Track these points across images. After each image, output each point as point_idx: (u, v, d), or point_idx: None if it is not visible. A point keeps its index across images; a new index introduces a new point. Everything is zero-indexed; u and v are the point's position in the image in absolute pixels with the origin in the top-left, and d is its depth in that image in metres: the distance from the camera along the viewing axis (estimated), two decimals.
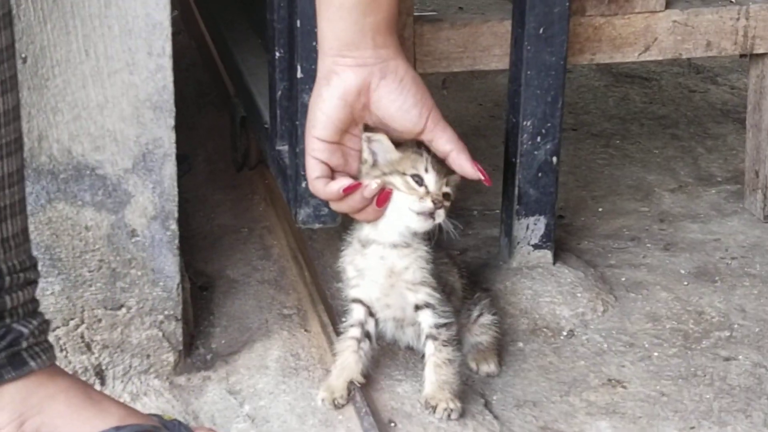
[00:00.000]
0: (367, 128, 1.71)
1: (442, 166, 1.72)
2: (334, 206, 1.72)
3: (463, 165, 1.70)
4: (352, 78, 1.64)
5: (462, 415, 1.72)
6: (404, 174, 1.70)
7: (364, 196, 1.68)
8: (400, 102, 1.67)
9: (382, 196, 1.70)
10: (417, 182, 1.70)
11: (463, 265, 1.96)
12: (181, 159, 2.40)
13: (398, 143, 1.72)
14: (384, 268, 1.76)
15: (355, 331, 1.78)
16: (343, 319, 1.81)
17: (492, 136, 2.76)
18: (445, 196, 1.71)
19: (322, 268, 2.12)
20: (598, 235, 2.33)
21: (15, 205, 1.51)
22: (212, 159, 2.60)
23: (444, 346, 1.75)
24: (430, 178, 1.70)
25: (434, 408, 1.72)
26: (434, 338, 1.76)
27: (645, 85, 3.11)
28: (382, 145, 1.71)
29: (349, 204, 1.69)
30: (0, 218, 1.48)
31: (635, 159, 2.67)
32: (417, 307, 1.77)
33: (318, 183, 1.69)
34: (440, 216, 1.70)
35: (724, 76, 3.15)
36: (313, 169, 1.68)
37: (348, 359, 1.77)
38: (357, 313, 1.79)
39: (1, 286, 1.50)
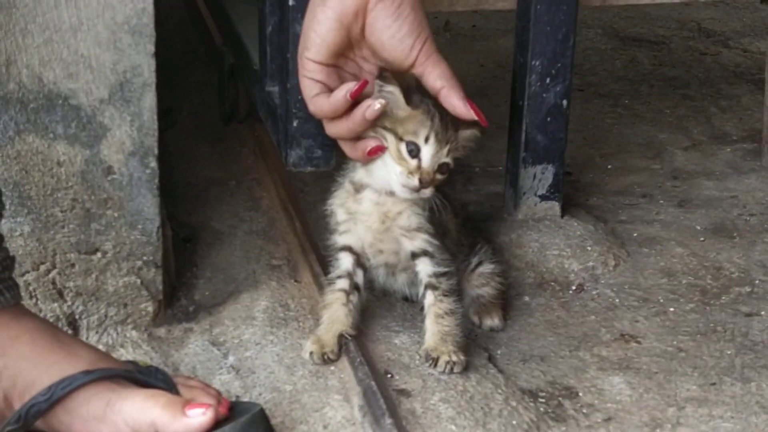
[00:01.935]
0: (382, 75, 1.57)
1: (450, 129, 1.58)
2: (332, 129, 1.58)
3: (455, 104, 1.56)
4: None
5: (465, 368, 1.58)
6: (401, 139, 1.56)
7: (365, 117, 1.54)
8: (395, 29, 1.54)
9: (374, 149, 1.57)
10: (411, 152, 1.56)
11: (458, 203, 1.81)
12: (165, 112, 2.27)
13: (410, 100, 1.58)
14: (378, 212, 1.63)
15: (344, 283, 1.65)
16: (329, 270, 1.67)
17: (494, 96, 2.62)
18: (442, 168, 1.57)
19: (314, 219, 1.99)
20: (607, 191, 2.19)
21: None
22: (199, 113, 2.46)
23: (445, 296, 1.62)
24: (427, 152, 1.56)
25: (435, 361, 1.58)
26: (434, 288, 1.62)
27: (654, 48, 2.97)
28: (393, 96, 1.56)
29: (349, 126, 1.55)
30: None
31: (645, 118, 2.54)
32: (414, 255, 1.63)
33: (319, 99, 1.55)
34: (426, 193, 1.57)
35: (735, 39, 3.02)
36: (310, 88, 1.55)
37: (337, 312, 1.64)
38: (345, 262, 1.66)
39: None
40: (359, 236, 1.65)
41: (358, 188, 1.64)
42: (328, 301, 1.65)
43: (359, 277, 1.66)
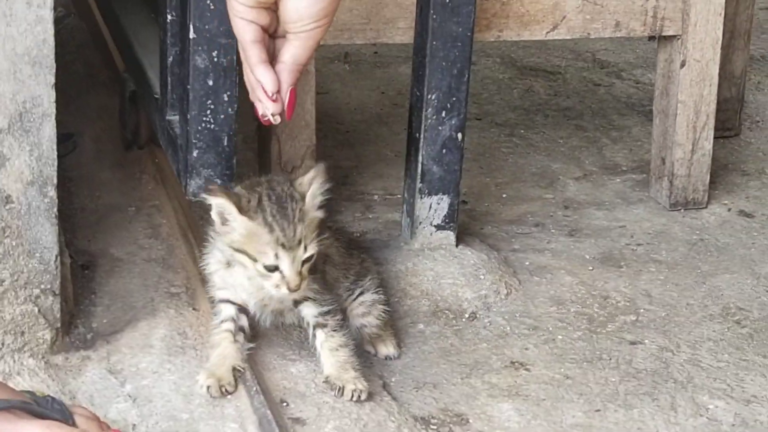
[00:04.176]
0: (208, 189, 1.57)
1: (294, 221, 1.55)
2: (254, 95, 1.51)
3: (281, 80, 1.42)
4: None
5: (370, 396, 1.62)
6: (256, 260, 1.57)
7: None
8: None
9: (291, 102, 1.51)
10: (269, 269, 1.56)
11: (337, 226, 1.85)
12: (65, 137, 2.27)
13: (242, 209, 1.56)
14: (254, 285, 1.64)
15: (229, 325, 1.68)
16: (213, 314, 1.69)
17: (394, 124, 2.68)
18: (306, 262, 1.57)
19: None
20: (501, 220, 2.26)
21: None
22: (100, 139, 2.46)
23: (334, 330, 1.66)
24: (284, 263, 1.56)
25: (341, 389, 1.62)
26: (322, 326, 1.66)
27: (549, 78, 3.06)
28: (224, 209, 1.56)
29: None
30: None
31: (540, 148, 2.61)
32: (296, 303, 1.66)
33: (260, 68, 1.42)
34: (302, 289, 1.58)
35: (628, 71, 3.12)
36: (245, 31, 1.41)
37: (227, 349, 1.66)
38: (227, 311, 1.68)
39: None
40: (239, 296, 1.67)
41: (229, 263, 1.65)
42: (216, 341, 1.68)
43: (243, 321, 1.68)
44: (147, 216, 2.14)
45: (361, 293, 1.77)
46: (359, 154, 2.52)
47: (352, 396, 1.61)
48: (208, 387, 1.62)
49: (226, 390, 1.62)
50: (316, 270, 1.64)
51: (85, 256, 2.00)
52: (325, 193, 1.61)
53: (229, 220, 1.57)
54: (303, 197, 1.58)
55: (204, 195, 1.57)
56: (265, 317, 1.70)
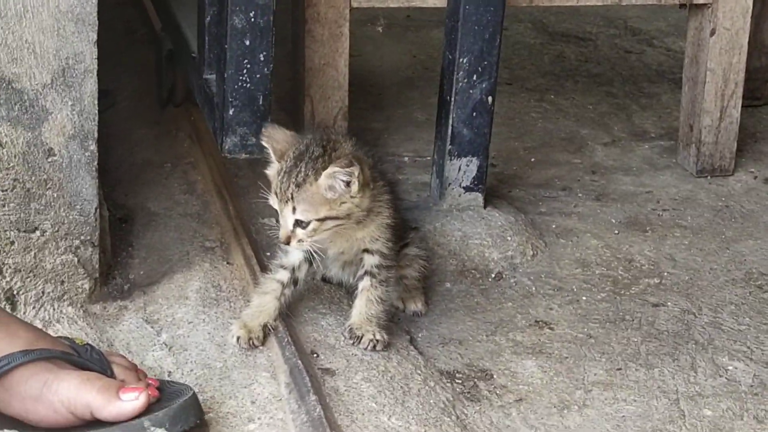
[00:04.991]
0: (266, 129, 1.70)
1: (295, 183, 1.61)
2: None
3: None
4: None
5: (387, 347, 1.67)
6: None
7: None
8: None
9: None
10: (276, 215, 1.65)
11: (392, 184, 1.86)
12: (102, 94, 2.33)
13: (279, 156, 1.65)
14: (342, 238, 1.69)
15: (284, 275, 1.71)
16: (268, 253, 1.74)
17: (425, 87, 2.71)
18: (300, 225, 1.61)
19: (247, 204, 2.06)
20: (529, 183, 2.29)
21: None
22: (137, 96, 2.52)
23: (380, 284, 1.71)
24: (282, 216, 1.63)
25: (359, 338, 1.67)
26: (373, 276, 1.71)
27: (581, 44, 3.08)
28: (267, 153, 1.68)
29: None
30: None
31: (569, 113, 2.64)
32: (366, 251, 1.71)
33: None
34: (301, 247, 1.63)
35: (660, 39, 3.13)
36: None
37: (268, 304, 1.70)
38: (293, 256, 1.72)
39: None
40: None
41: None
42: (264, 289, 1.71)
43: (302, 272, 1.73)
44: (182, 172, 2.19)
45: (405, 245, 1.82)
46: (390, 117, 2.56)
47: (368, 345, 1.66)
48: (238, 338, 1.67)
49: (253, 343, 1.67)
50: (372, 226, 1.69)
51: (123, 210, 2.06)
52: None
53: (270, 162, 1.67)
54: (319, 172, 1.61)
55: (262, 136, 1.67)
56: (333, 263, 1.74)
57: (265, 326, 1.69)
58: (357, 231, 1.68)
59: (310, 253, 1.66)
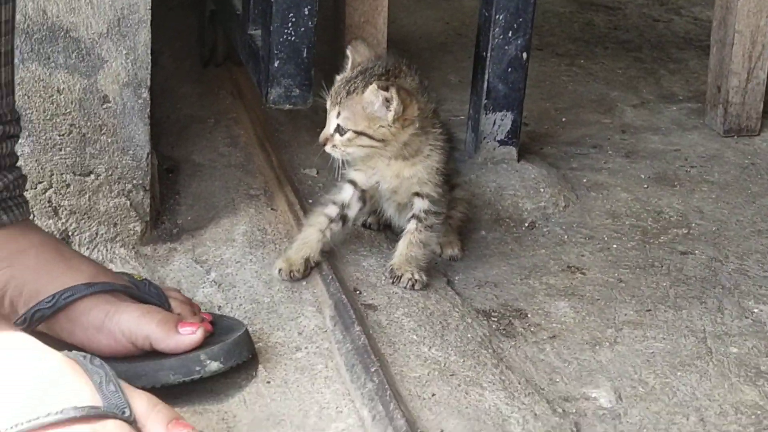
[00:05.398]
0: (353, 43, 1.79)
1: (349, 91, 1.71)
2: None
3: None
4: None
5: (426, 287, 1.75)
6: None
7: None
8: None
9: None
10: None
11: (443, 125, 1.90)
12: None
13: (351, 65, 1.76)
14: (391, 172, 1.77)
15: (332, 210, 1.78)
16: (311, 201, 1.81)
17: (458, 52, 2.78)
18: (339, 132, 1.70)
19: (289, 156, 2.14)
20: (560, 141, 2.36)
21: (6, 55, 1.48)
22: (179, 56, 2.59)
23: (426, 228, 1.77)
24: (328, 118, 1.73)
25: (399, 278, 1.74)
26: (419, 220, 1.78)
27: (610, 12, 3.14)
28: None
29: None
30: None
31: (599, 77, 2.71)
32: (416, 194, 1.78)
33: None
34: (334, 152, 1.72)
35: (687, 8, 3.19)
36: None
37: (311, 237, 1.77)
38: (345, 194, 1.79)
39: None
40: (372, 179, 1.78)
41: None
42: (311, 222, 1.79)
43: (353, 211, 1.79)
44: (225, 127, 2.27)
45: (453, 188, 1.88)
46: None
47: (408, 284, 1.73)
48: (280, 270, 1.74)
49: (294, 275, 1.73)
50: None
51: (169, 161, 2.13)
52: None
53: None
54: (368, 86, 1.69)
55: (349, 46, 1.78)
56: (389, 204, 1.80)
57: (307, 260, 1.75)
58: (404, 168, 1.74)
59: (353, 183, 1.75)
